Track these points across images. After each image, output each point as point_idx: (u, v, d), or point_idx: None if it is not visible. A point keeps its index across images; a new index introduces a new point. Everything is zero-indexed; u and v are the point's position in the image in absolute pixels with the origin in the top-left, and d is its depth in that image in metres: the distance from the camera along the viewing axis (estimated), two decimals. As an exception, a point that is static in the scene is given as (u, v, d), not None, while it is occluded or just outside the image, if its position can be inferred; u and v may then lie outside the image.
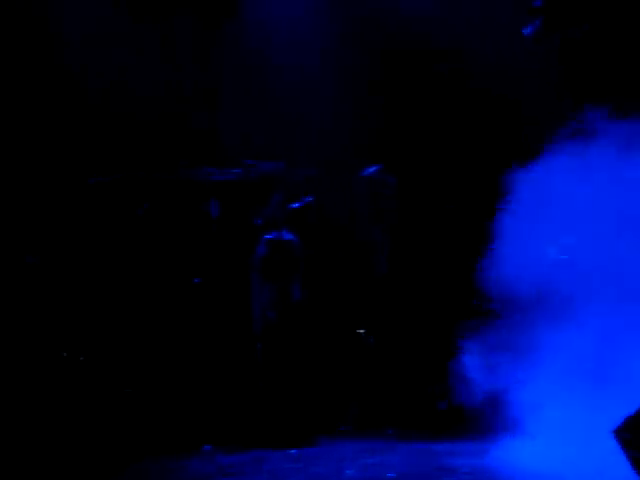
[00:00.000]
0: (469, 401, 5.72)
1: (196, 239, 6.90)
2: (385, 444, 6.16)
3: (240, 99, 7.59)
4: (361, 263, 7.00)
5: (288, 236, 6.65)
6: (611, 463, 4.43)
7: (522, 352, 5.42)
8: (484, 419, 5.60)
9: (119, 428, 6.21)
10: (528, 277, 5.42)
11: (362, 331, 6.83)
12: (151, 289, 6.70)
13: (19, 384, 6.15)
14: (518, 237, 5.49)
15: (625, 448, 4.17)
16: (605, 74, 6.11)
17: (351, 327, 6.87)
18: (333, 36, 7.45)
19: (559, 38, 6.08)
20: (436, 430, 6.27)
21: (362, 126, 7.19)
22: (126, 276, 6.71)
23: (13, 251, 6.54)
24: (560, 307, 5.32)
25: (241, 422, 6.39)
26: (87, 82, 7.15)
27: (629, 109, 5.20)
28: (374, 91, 7.27)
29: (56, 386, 6.25)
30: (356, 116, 7.22)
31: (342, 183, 7.13)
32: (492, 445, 5.49)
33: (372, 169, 7.02)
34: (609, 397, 4.88)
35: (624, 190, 5.27)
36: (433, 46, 7.06)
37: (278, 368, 6.40)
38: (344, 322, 6.90)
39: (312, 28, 7.54)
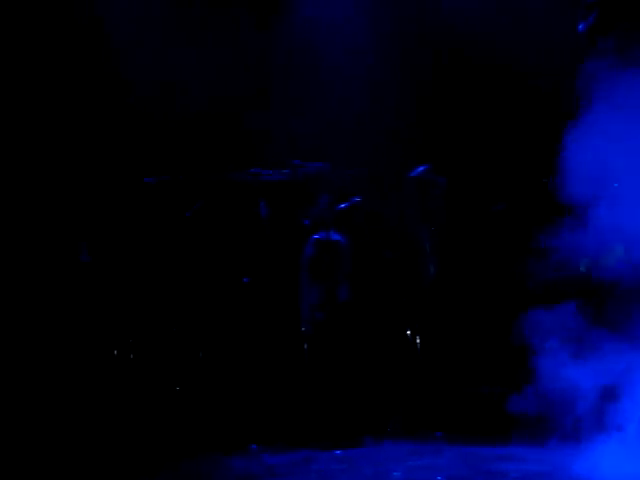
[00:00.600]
0: (532, 405, 5.60)
1: (245, 239, 6.94)
2: (433, 446, 6.12)
3: (289, 100, 7.62)
4: (409, 264, 6.96)
5: (336, 236, 6.65)
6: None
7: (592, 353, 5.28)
8: (540, 423, 5.52)
9: (169, 426, 6.28)
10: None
11: (410, 332, 6.80)
12: (201, 288, 6.77)
13: (72, 381, 6.25)
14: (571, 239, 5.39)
15: None
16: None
17: (399, 328, 6.85)
18: (382, 36, 7.43)
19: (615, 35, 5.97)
20: (486, 433, 6.19)
21: (411, 126, 7.16)
22: (177, 275, 6.78)
23: (68, 250, 6.66)
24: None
25: (288, 422, 6.41)
26: (141, 83, 7.25)
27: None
28: (423, 90, 7.23)
29: (108, 384, 6.35)
30: (405, 116, 7.20)
31: (390, 183, 7.10)
32: (545, 450, 5.42)
33: (420, 169, 6.97)
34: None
35: None
36: (483, 44, 6.99)
37: (325, 368, 6.41)
38: (392, 323, 6.87)
39: (361, 28, 7.53)
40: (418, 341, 6.73)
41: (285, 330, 6.70)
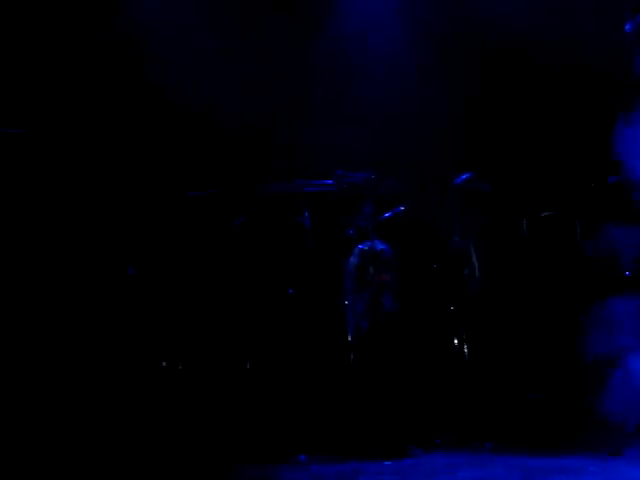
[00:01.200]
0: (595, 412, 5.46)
1: (289, 250, 6.94)
2: (482, 458, 6.01)
3: (330, 110, 7.63)
4: (455, 272, 6.90)
5: (380, 246, 6.62)
6: None
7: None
8: (601, 431, 5.38)
9: (217, 437, 6.28)
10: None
11: (457, 341, 6.72)
12: (247, 300, 6.78)
13: (123, 393, 6.29)
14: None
15: None
16: None
17: (446, 337, 6.78)
18: (424, 43, 7.42)
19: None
20: (537, 444, 6.07)
21: (454, 133, 7.12)
22: (222, 287, 6.80)
23: (116, 264, 6.72)
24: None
25: (337, 432, 6.37)
26: (182, 97, 7.31)
27: None
28: (466, 96, 7.19)
29: (157, 395, 6.37)
30: (448, 123, 7.16)
31: (434, 191, 7.05)
32: (607, 462, 5.27)
33: (464, 177, 6.91)
34: None
35: None
36: (528, 45, 6.92)
37: (372, 378, 6.36)
38: (439, 331, 6.81)
39: (401, 35, 7.52)
40: (466, 350, 6.65)
41: (331, 340, 6.67)
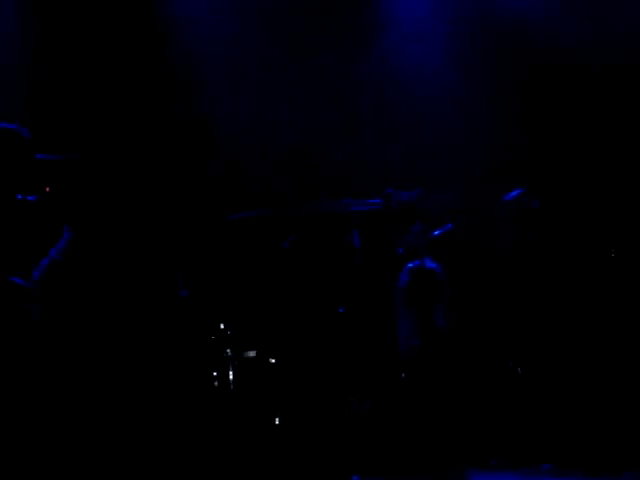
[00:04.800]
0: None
1: (340, 269, 6.95)
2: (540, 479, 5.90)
3: (380, 129, 7.64)
4: (506, 289, 6.81)
5: (430, 264, 6.58)
6: None
7: None
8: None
9: (269, 457, 6.28)
10: None
11: (512, 360, 6.62)
12: (297, 320, 6.80)
13: (176, 412, 6.34)
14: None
15: None
16: None
17: (499, 355, 6.69)
18: (471, 59, 7.39)
19: None
20: (597, 467, 5.93)
21: (504, 149, 7.06)
22: (273, 308, 6.83)
23: (169, 286, 6.80)
24: None
25: (390, 452, 6.32)
26: (231, 120, 7.41)
27: None
28: (516, 112, 7.13)
29: (210, 415, 6.41)
30: (498, 139, 7.10)
31: (484, 209, 7.00)
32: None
33: (515, 193, 6.83)
34: None
35: None
36: (576, 57, 6.85)
37: (424, 397, 6.31)
38: (491, 350, 6.72)
39: (449, 52, 7.51)
40: (520, 369, 6.55)
41: (382, 359, 6.64)
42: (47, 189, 5.89)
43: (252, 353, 6.57)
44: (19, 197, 4.72)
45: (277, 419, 6.47)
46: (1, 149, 4.61)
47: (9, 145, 4.62)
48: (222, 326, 6.64)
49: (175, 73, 7.50)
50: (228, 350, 6.53)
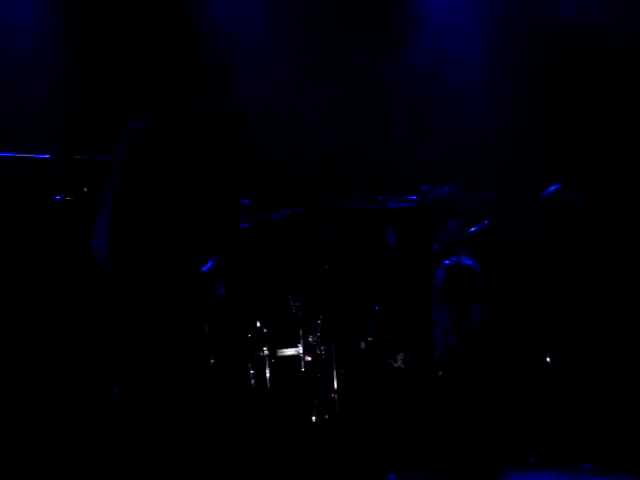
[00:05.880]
0: None
1: (375, 267, 6.91)
2: (582, 479, 5.81)
3: (414, 126, 7.61)
4: (543, 287, 6.74)
5: (467, 261, 6.54)
6: None
7: None
8: None
9: (306, 457, 6.26)
10: None
11: (549, 357, 6.54)
12: (332, 318, 6.76)
13: (209, 406, 6.34)
14: None
15: None
16: None
17: (537, 352, 6.61)
18: (505, 53, 7.34)
19: None
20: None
21: (541, 143, 6.98)
22: (308, 305, 6.81)
23: (204, 285, 6.81)
24: None
25: (426, 451, 6.27)
26: (263, 117, 7.42)
27: None
28: (552, 105, 7.05)
29: (243, 412, 6.41)
30: (534, 133, 7.03)
31: (521, 205, 6.93)
32: None
33: (553, 188, 6.75)
34: None
35: None
36: (614, 52, 6.76)
37: (462, 395, 6.25)
38: (528, 347, 6.65)
39: (481, 48, 7.46)
40: (558, 366, 6.46)
41: (419, 357, 6.59)
42: (85, 189, 5.94)
43: (290, 351, 6.55)
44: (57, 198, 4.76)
45: (314, 417, 6.45)
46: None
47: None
48: (258, 324, 6.64)
49: (209, 73, 7.53)
50: (264, 349, 6.52)
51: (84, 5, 7.33)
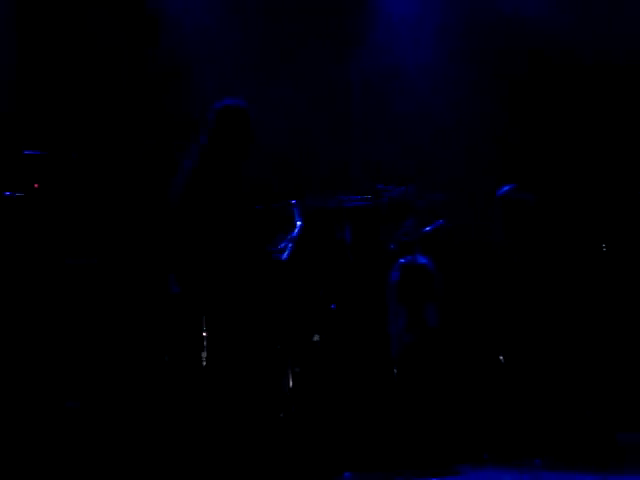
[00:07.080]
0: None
1: (331, 266, 6.91)
2: (532, 475, 5.87)
3: (370, 126, 7.64)
4: (498, 286, 6.80)
5: (422, 260, 6.57)
6: None
7: None
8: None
9: (266, 455, 6.22)
10: None
11: (502, 356, 6.61)
12: (288, 316, 6.75)
13: (168, 406, 6.28)
14: None
15: None
16: None
17: (491, 352, 6.67)
18: (461, 53, 7.40)
19: None
20: (589, 462, 5.91)
21: (495, 144, 7.06)
22: (262, 303, 6.78)
23: (159, 283, 6.75)
24: None
25: (381, 449, 6.29)
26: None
27: None
28: (506, 106, 7.14)
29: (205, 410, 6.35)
30: (489, 134, 7.10)
31: (475, 204, 6.99)
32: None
33: (506, 188, 6.82)
34: None
35: None
36: (572, 57, 6.86)
37: (416, 393, 6.29)
38: (483, 347, 6.71)
39: (438, 48, 7.52)
40: (510, 364, 6.53)
41: (373, 355, 6.61)
42: (36, 185, 5.86)
43: None
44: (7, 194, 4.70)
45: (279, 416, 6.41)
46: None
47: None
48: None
49: (164, 72, 7.47)
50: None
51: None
